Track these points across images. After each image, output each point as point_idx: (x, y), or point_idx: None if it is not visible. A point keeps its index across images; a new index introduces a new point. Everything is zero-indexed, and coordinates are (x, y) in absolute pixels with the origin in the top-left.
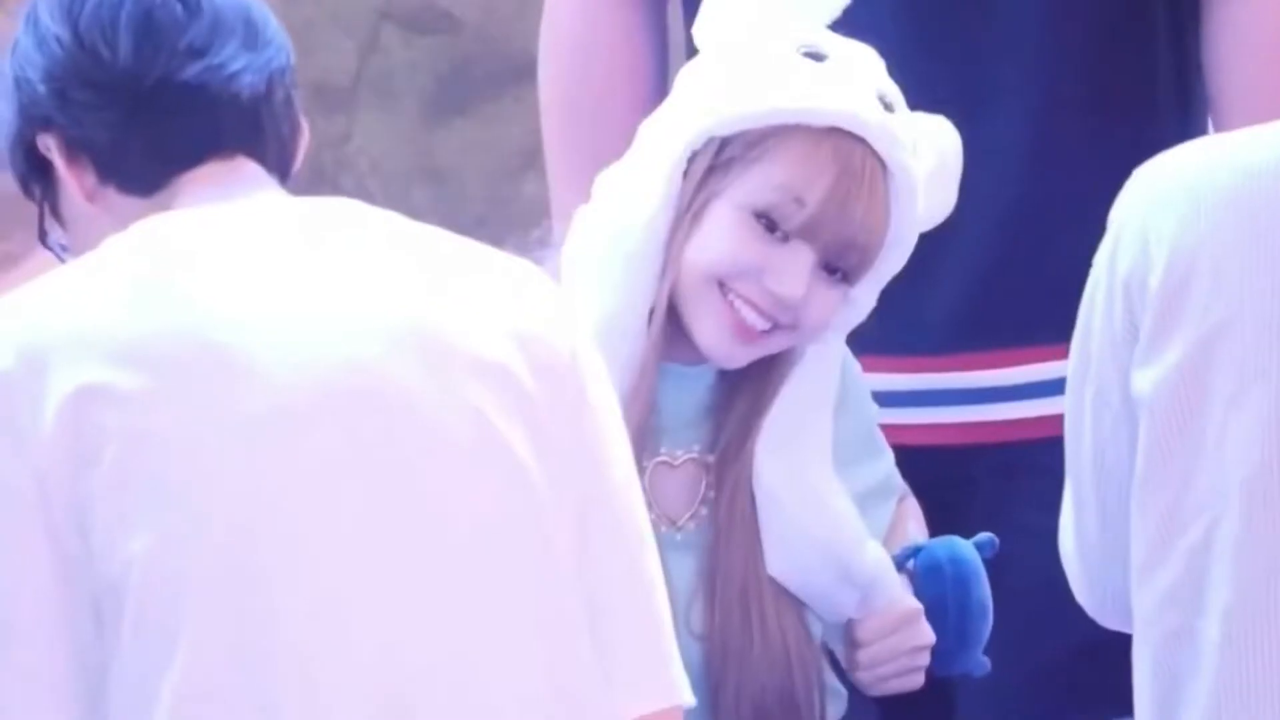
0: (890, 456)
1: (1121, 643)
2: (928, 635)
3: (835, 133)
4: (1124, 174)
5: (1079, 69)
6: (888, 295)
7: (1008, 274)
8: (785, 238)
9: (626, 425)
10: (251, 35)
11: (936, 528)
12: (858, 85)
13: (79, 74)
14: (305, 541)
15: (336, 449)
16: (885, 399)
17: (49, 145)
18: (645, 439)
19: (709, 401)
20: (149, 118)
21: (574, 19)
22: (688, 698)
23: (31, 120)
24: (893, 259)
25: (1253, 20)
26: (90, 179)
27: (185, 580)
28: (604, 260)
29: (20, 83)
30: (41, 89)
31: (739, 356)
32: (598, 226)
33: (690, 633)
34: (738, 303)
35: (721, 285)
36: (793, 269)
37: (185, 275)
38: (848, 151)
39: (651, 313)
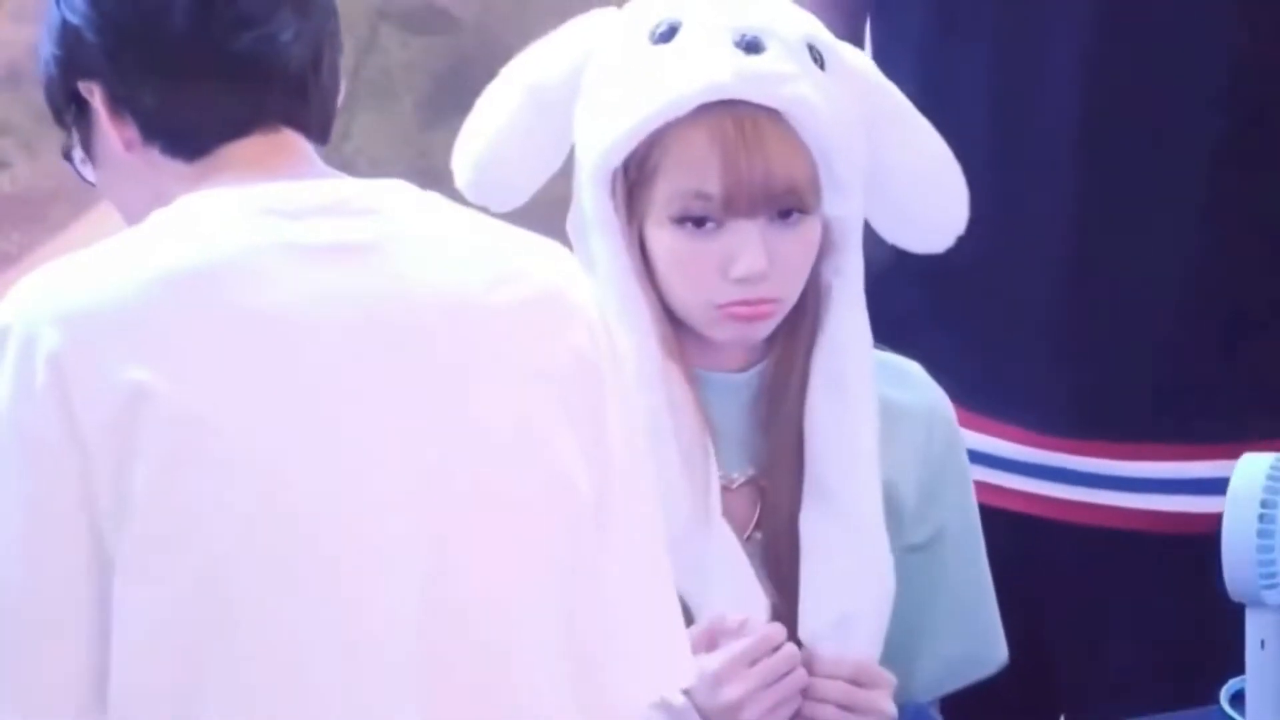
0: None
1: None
2: (893, 708)
3: (703, 110)
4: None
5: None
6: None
7: (1171, 370)
8: (719, 223)
9: (684, 444)
10: (301, 3)
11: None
12: (710, 45)
13: (132, 35)
14: (355, 529)
15: (385, 436)
16: (991, 461)
17: (92, 91)
18: (705, 454)
19: (760, 413)
20: (200, 85)
21: None
22: (689, 680)
23: (75, 67)
24: (845, 158)
25: None
26: (132, 134)
27: (238, 570)
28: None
29: (67, 27)
30: (91, 39)
31: (755, 333)
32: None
33: None
34: (730, 307)
35: (706, 299)
36: (743, 246)
37: (232, 265)
38: (719, 123)
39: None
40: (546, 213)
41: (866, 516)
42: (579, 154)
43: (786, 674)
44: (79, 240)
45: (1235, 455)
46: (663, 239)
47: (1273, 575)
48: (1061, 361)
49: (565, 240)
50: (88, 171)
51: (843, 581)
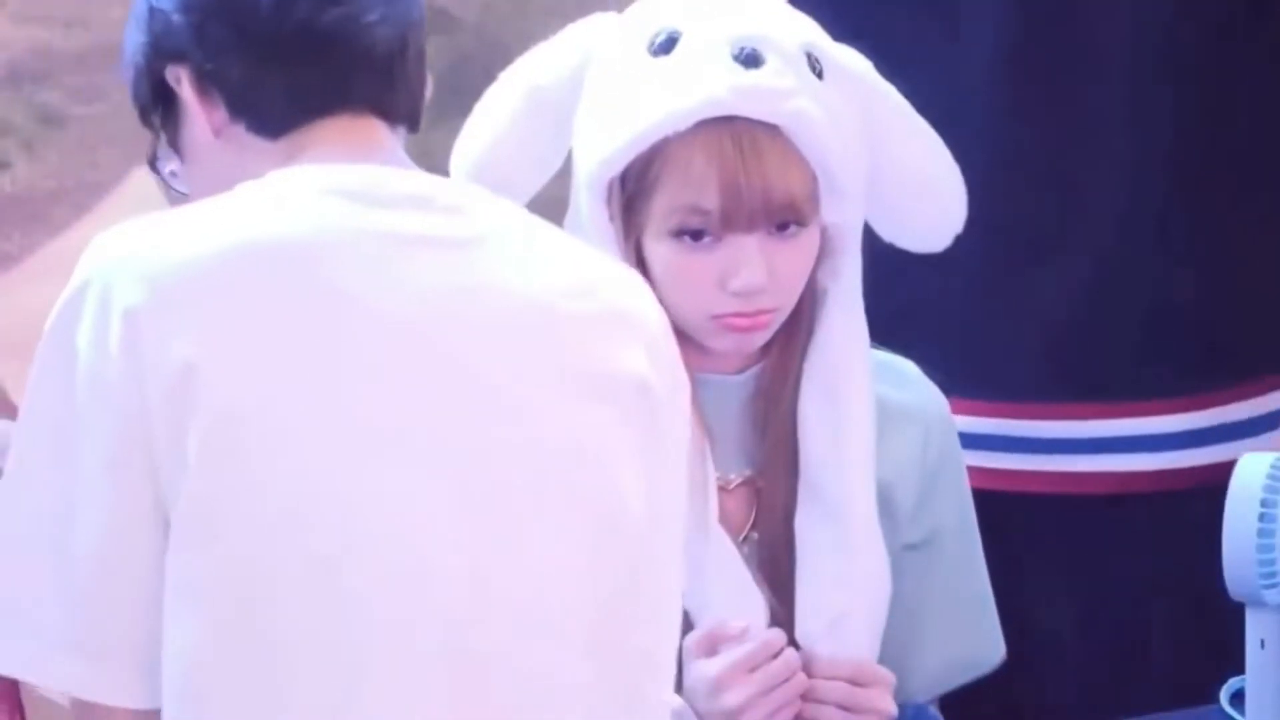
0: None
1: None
2: (893, 706)
3: (701, 125)
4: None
5: (1182, 108)
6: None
7: (1101, 325)
8: (718, 237)
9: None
10: None
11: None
12: (708, 59)
13: (219, 11)
14: (394, 539)
15: (441, 436)
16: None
17: (179, 77)
18: (703, 458)
19: (755, 415)
20: (286, 61)
21: None
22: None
23: (164, 51)
24: (845, 167)
25: None
26: (220, 115)
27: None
28: None
29: (155, 12)
30: (177, 20)
31: (751, 342)
32: None
33: None
34: (728, 318)
35: (703, 311)
36: (741, 261)
37: (318, 245)
38: (719, 139)
39: None
40: (543, 212)
41: (860, 518)
42: (576, 161)
43: (786, 679)
44: (80, 240)
45: (1182, 410)
46: (660, 251)
47: (1273, 575)
48: (1001, 324)
49: None
50: (177, 182)
51: (838, 582)
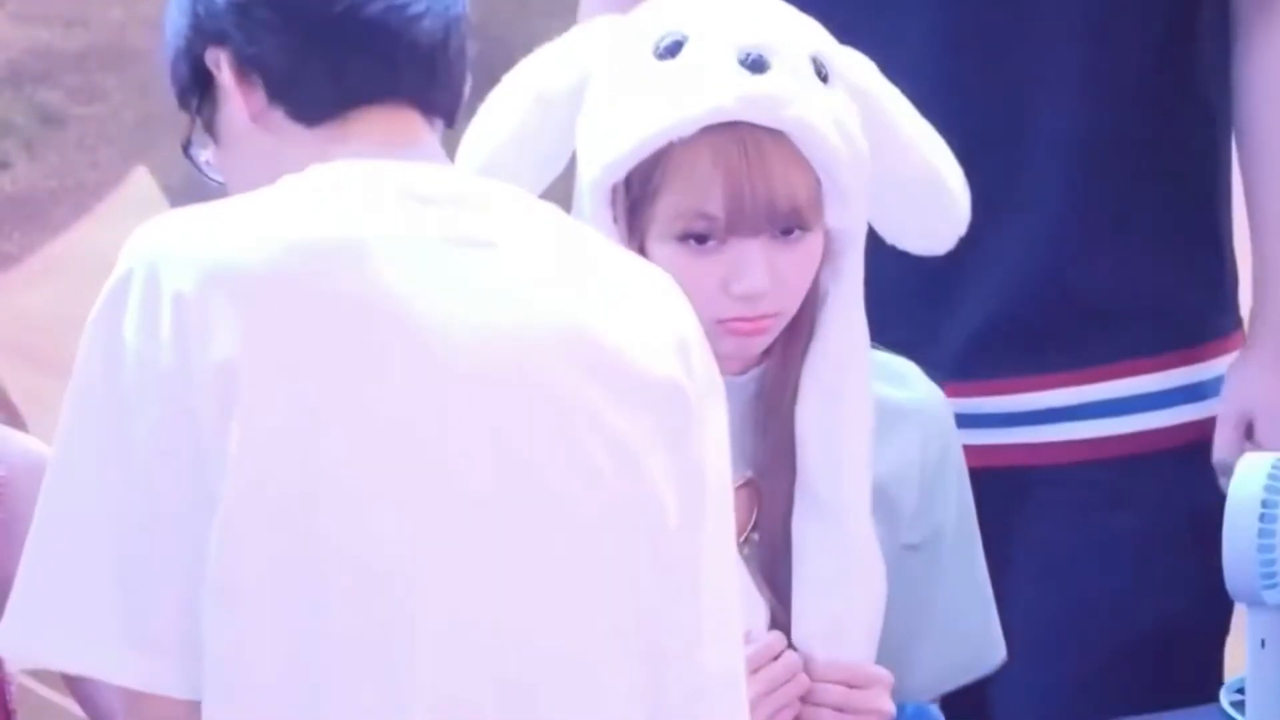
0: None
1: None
2: (891, 706)
3: (706, 131)
4: (1170, 193)
5: (1122, 85)
6: (912, 318)
7: (1041, 298)
8: (722, 241)
9: None
10: None
11: None
12: (714, 65)
13: None
14: (433, 545)
15: (469, 450)
16: None
17: (219, 61)
18: None
19: (756, 416)
20: (328, 47)
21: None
22: None
23: (205, 33)
24: (850, 171)
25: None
26: (259, 99)
27: (310, 577)
28: None
29: None
30: (221, 2)
31: (753, 346)
32: None
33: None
34: (731, 322)
35: (707, 314)
36: (745, 265)
37: (366, 245)
38: (723, 144)
39: None
40: None
41: (855, 520)
42: (581, 164)
43: (787, 681)
44: (80, 240)
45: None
46: (664, 254)
47: (1273, 575)
48: (942, 304)
49: None
50: (211, 170)
51: (834, 585)
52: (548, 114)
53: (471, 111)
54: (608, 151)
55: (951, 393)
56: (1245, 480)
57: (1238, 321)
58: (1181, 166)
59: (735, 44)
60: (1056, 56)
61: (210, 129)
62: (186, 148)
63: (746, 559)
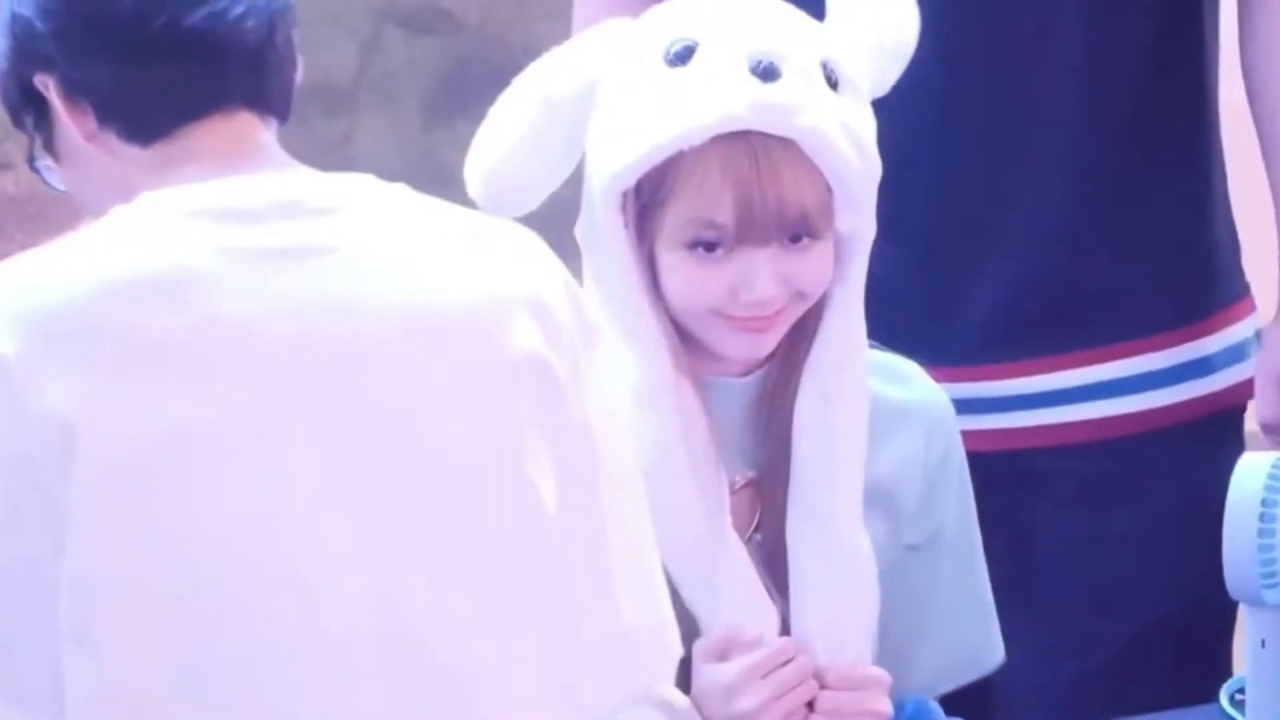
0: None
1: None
2: (888, 706)
3: (717, 140)
4: (1170, 185)
5: (1124, 81)
6: (923, 303)
7: (1044, 285)
8: (731, 249)
9: (696, 456)
10: None
11: None
12: (725, 71)
13: (81, 18)
14: (302, 566)
15: (333, 465)
16: None
17: (46, 84)
18: (718, 469)
19: (758, 416)
20: (153, 65)
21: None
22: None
23: (29, 59)
24: (860, 178)
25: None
26: (90, 123)
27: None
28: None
29: (17, 19)
30: (40, 28)
31: (761, 347)
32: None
33: None
34: (739, 319)
35: (715, 311)
36: (754, 275)
37: (187, 275)
38: (734, 153)
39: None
40: (550, 212)
41: (847, 523)
42: (590, 170)
43: (796, 685)
44: None
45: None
46: (673, 261)
47: (1273, 575)
48: (944, 285)
49: (572, 243)
50: (53, 178)
51: (827, 587)
52: (556, 118)
53: (474, 113)
54: (618, 158)
55: (950, 378)
56: (1245, 480)
57: (1244, 288)
58: (1175, 148)
59: (746, 51)
60: (1054, 52)
61: (50, 148)
62: (30, 162)
63: (751, 557)
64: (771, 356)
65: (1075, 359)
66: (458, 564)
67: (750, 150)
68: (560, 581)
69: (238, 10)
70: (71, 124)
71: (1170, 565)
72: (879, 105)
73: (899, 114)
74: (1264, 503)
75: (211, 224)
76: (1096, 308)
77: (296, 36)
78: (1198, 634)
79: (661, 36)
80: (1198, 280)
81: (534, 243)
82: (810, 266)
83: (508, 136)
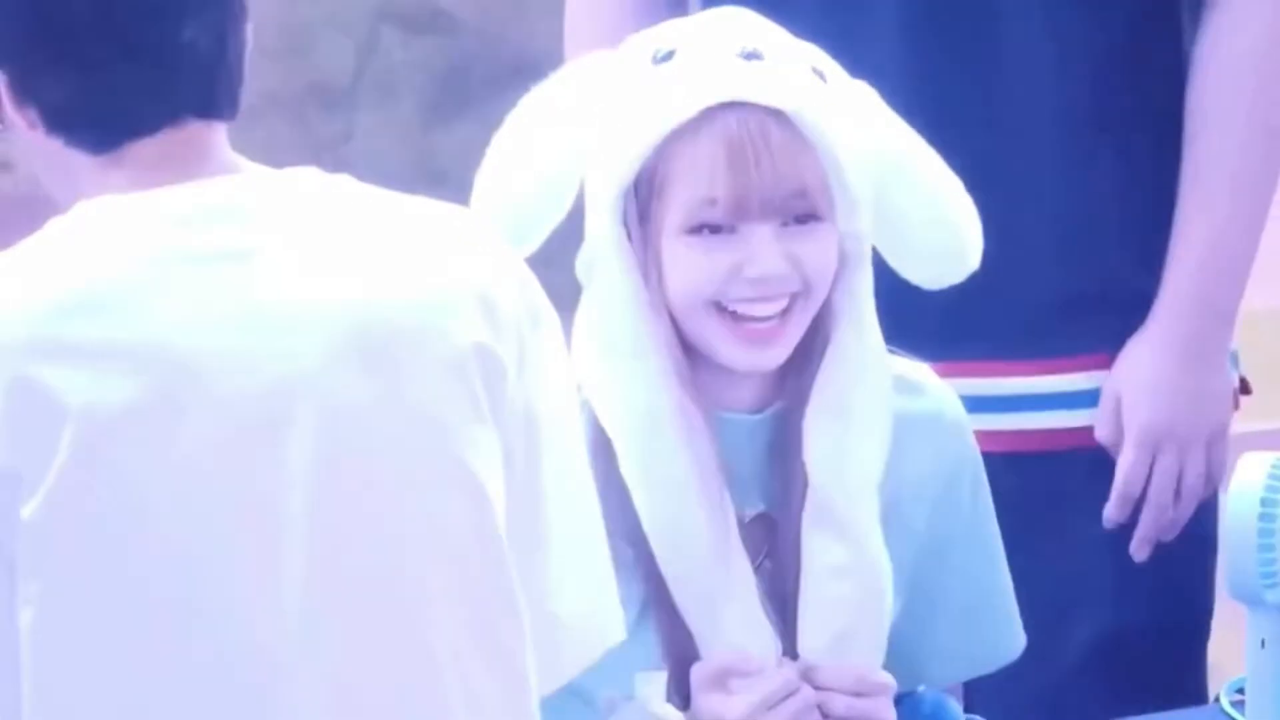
0: None
1: (1137, 639)
2: (891, 714)
3: (707, 117)
4: (1145, 184)
5: (1095, 81)
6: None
7: (1007, 296)
8: (732, 229)
9: (702, 480)
10: None
11: None
12: (710, 57)
13: (35, 28)
14: (245, 580)
15: (275, 476)
16: None
17: None
18: (722, 492)
19: (769, 452)
20: (103, 77)
21: (594, 21)
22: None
23: None
24: (853, 164)
25: (1233, 27)
26: (39, 131)
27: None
28: (607, 356)
29: None
30: None
31: (769, 359)
32: (588, 323)
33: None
34: (740, 313)
35: (718, 305)
36: (757, 250)
37: (125, 284)
38: (723, 127)
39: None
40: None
41: (864, 537)
42: (590, 188)
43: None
44: None
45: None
46: (677, 251)
47: (1273, 575)
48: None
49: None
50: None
51: (841, 602)
52: (558, 141)
53: (472, 113)
54: (615, 156)
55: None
56: (1245, 480)
57: None
58: (1149, 152)
59: (732, 45)
60: (1026, 46)
61: (8, 124)
62: None
63: (759, 588)
64: (782, 387)
65: (1045, 366)
66: (398, 556)
67: (742, 121)
68: (498, 570)
69: (190, 28)
70: (20, 123)
71: (1144, 570)
72: None
73: None
74: (1263, 502)
75: (147, 234)
76: (1061, 316)
77: (249, 35)
78: (1174, 637)
79: (646, 48)
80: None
81: (479, 229)
82: (815, 248)
83: (512, 167)
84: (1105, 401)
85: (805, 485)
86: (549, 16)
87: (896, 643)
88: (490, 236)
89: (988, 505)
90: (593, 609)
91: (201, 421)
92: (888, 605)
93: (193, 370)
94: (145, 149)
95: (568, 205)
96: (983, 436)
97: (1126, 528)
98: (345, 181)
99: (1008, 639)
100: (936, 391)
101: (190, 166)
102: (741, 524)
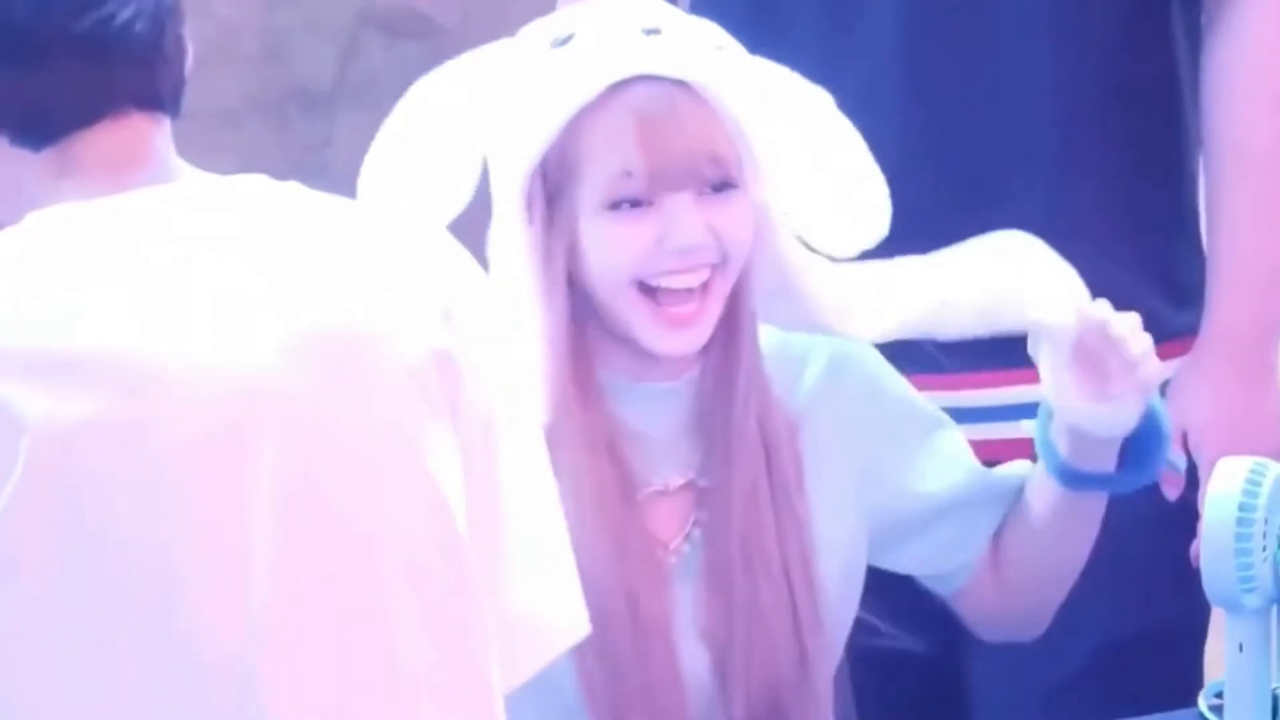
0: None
1: (1139, 643)
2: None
3: (613, 93)
4: (1147, 182)
5: (1096, 75)
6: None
7: None
8: (651, 201)
9: (599, 460)
10: None
11: None
12: (611, 36)
13: None
14: (212, 586)
15: (239, 481)
16: None
17: None
18: (633, 468)
19: (694, 419)
20: (41, 71)
21: None
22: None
23: None
24: (760, 133)
25: (1245, 26)
26: None
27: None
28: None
29: None
30: None
31: (690, 341)
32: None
33: (699, 641)
34: (662, 295)
35: (640, 283)
36: (677, 219)
37: (78, 292)
38: (631, 100)
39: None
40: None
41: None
42: (494, 171)
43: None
44: None
45: None
46: (597, 229)
47: (1250, 579)
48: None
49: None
50: None
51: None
52: (454, 130)
53: None
54: (521, 138)
55: (928, 385)
56: (1223, 484)
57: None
58: (1146, 166)
59: (632, 24)
60: (1026, 59)
61: None
62: None
63: (685, 558)
64: (705, 356)
65: (1024, 375)
66: (362, 560)
67: (649, 93)
68: (460, 574)
69: (125, 14)
70: None
71: (1136, 581)
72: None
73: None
74: (1241, 507)
75: (99, 243)
76: None
77: (186, 31)
78: (1169, 644)
79: (543, 34)
80: (1170, 301)
81: (435, 235)
82: (732, 215)
83: (399, 164)
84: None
85: (735, 450)
86: (528, 21)
87: (917, 556)
88: (447, 242)
89: (901, 397)
90: (552, 606)
91: (163, 429)
92: (836, 563)
93: (151, 379)
94: (90, 149)
95: (466, 196)
96: (983, 445)
97: (1126, 535)
98: (295, 189)
99: (1003, 476)
100: (812, 347)
101: (136, 172)
102: (664, 493)
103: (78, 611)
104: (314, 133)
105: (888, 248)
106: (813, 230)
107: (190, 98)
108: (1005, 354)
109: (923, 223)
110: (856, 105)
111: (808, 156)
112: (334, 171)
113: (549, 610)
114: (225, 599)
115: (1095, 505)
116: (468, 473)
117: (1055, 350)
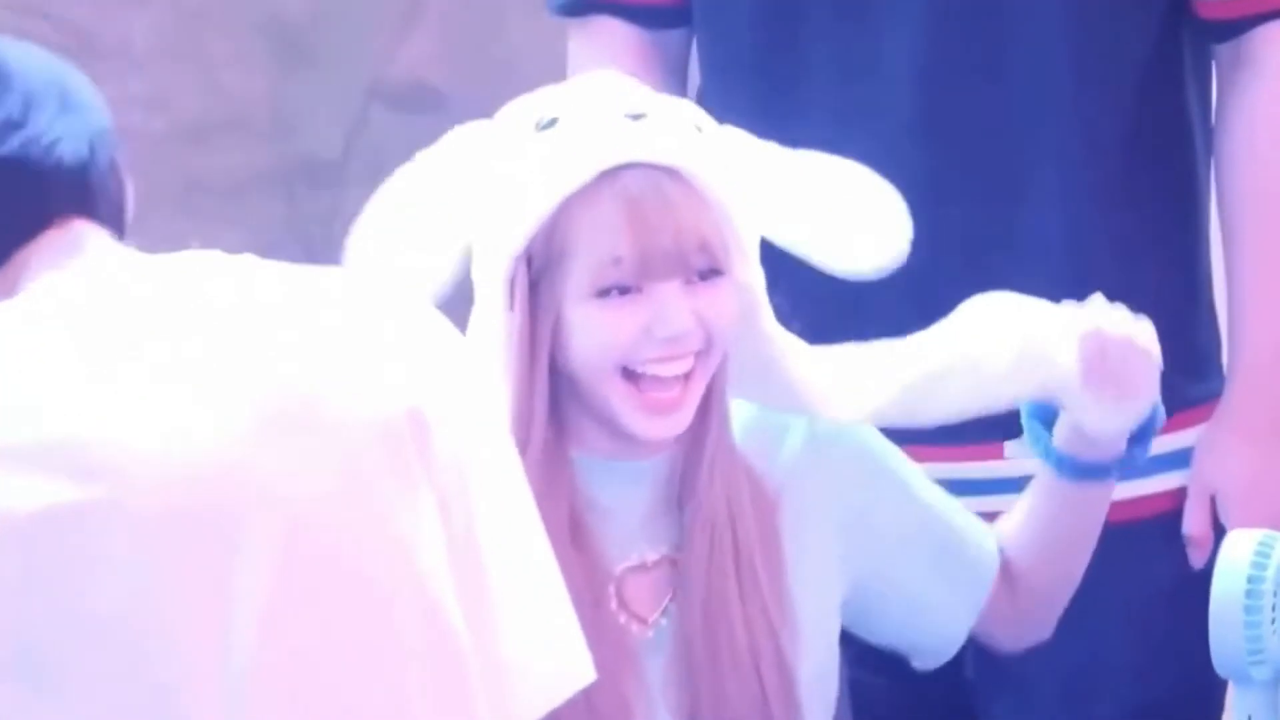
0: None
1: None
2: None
3: (601, 181)
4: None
5: (1111, 125)
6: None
7: None
8: (639, 288)
9: (563, 546)
10: (66, 103)
11: None
12: (596, 121)
13: None
14: (191, 662)
15: (218, 555)
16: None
17: None
18: (606, 546)
19: (669, 495)
20: None
21: None
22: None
23: None
24: (744, 217)
25: (1261, 86)
26: None
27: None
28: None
29: None
30: None
31: (673, 426)
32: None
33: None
34: (646, 381)
35: (624, 369)
36: (665, 307)
37: (36, 380)
38: (621, 187)
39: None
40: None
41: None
42: (476, 255)
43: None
44: None
45: None
46: (584, 316)
47: (1259, 651)
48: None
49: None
50: None
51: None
52: (438, 213)
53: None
54: (506, 224)
55: (927, 457)
56: (1231, 555)
57: (1224, 384)
58: (1159, 234)
59: (614, 105)
60: (1042, 109)
61: None
62: None
63: (659, 632)
64: (679, 436)
65: None
66: (340, 628)
67: (637, 180)
68: (440, 638)
69: (51, 135)
70: None
71: (1159, 647)
72: (870, 164)
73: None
74: (1250, 579)
75: (52, 331)
76: None
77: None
78: (1187, 713)
79: (527, 116)
80: (1187, 373)
81: (405, 297)
82: (719, 303)
83: (387, 242)
84: (1196, 499)
85: (714, 531)
86: (536, 88)
87: (899, 634)
88: (419, 303)
89: (896, 479)
90: (549, 652)
91: (134, 514)
92: (816, 635)
93: (118, 461)
94: (37, 255)
95: (448, 278)
96: (990, 517)
97: (1148, 603)
98: (250, 259)
99: (987, 558)
100: (793, 430)
101: (83, 259)
102: (643, 569)
103: (51, 691)
104: (322, 205)
105: (903, 296)
106: (837, 256)
107: (198, 170)
108: (1005, 426)
109: (937, 270)
110: (871, 157)
111: (813, 192)
112: (341, 244)
113: (546, 657)
114: (205, 674)
115: (1102, 490)
116: (447, 524)
117: (1065, 383)
